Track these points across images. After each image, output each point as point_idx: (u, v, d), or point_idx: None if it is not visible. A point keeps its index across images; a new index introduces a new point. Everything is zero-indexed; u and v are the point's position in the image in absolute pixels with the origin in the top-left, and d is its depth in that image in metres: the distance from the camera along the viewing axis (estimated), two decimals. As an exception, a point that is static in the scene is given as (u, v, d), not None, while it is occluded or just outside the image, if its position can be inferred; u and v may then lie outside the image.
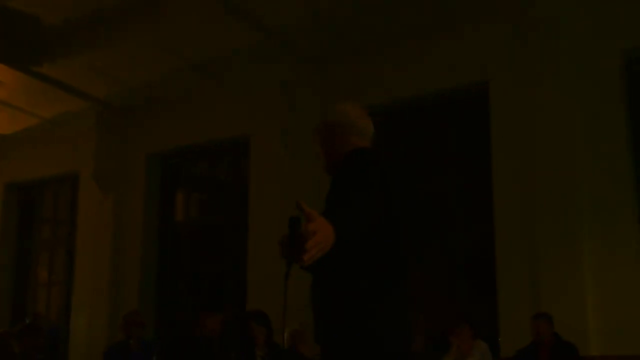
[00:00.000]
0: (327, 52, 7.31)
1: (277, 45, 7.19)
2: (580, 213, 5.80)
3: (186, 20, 6.79)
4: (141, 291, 8.36)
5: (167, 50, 7.36)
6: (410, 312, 2.36)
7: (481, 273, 6.50)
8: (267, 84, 7.61)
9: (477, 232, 6.60)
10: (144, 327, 6.40)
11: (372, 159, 2.47)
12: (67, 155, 9.14)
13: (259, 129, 7.77)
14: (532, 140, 6.07)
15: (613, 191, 5.77)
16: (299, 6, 6.51)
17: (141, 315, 6.63)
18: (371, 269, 2.30)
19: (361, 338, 2.25)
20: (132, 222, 8.58)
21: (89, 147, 8.80)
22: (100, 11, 6.82)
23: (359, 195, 2.20)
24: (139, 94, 8.41)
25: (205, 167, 8.82)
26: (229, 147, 8.34)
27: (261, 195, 7.62)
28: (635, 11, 5.92)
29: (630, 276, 5.61)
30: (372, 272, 2.30)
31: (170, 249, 8.66)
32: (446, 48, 6.77)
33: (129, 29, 6.99)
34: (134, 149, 8.78)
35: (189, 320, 7.80)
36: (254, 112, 7.78)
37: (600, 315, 5.58)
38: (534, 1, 6.23)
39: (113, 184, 8.73)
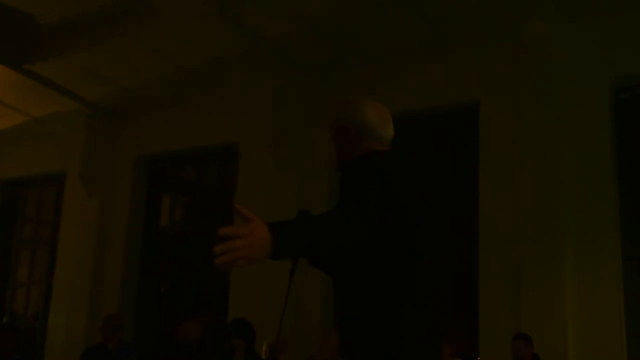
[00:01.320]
0: (318, 62, 7.35)
1: (268, 53, 7.21)
2: (564, 235, 5.85)
3: (179, 25, 6.81)
4: (122, 294, 8.31)
5: (159, 54, 7.37)
6: (435, 324, 2.18)
7: (463, 291, 6.52)
8: (257, 91, 7.63)
9: (461, 250, 6.62)
10: (122, 330, 6.36)
11: (382, 165, 2.22)
12: (54, 154, 9.10)
13: (247, 136, 7.78)
14: (518, 161, 6.12)
15: (597, 214, 5.83)
16: (291, 15, 6.54)
17: (121, 319, 6.60)
18: (388, 280, 2.12)
19: (383, 354, 2.07)
20: (116, 225, 8.54)
21: (77, 147, 8.77)
22: (94, 13, 6.81)
23: (339, 211, 2.06)
24: (130, 96, 8.40)
25: (192, 172, 8.81)
26: (217, 153, 8.33)
27: (247, 202, 7.58)
28: (624, 39, 6.00)
29: (611, 299, 5.65)
30: (390, 283, 2.12)
31: (153, 253, 8.62)
32: (437, 66, 6.83)
33: (122, 31, 6.99)
34: (122, 151, 8.76)
35: (168, 326, 7.78)
36: (243, 119, 7.79)
37: (580, 338, 5.62)
38: (524, 24, 6.30)
39: (99, 186, 8.69)
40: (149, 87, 8.11)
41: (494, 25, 6.40)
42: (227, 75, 7.61)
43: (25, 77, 7.77)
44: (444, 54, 6.80)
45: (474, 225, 6.30)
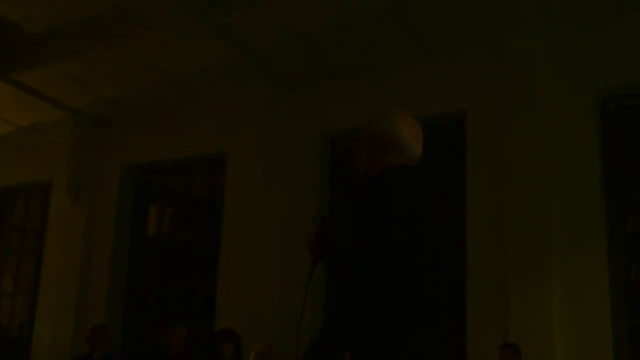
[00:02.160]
0: (306, 73, 7.36)
1: (257, 63, 7.22)
2: (551, 244, 5.88)
3: (166, 34, 6.80)
4: (108, 304, 8.26)
5: (147, 64, 7.35)
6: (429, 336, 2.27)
7: (451, 301, 6.52)
8: (245, 101, 7.64)
9: (449, 260, 6.63)
10: (110, 341, 6.33)
11: (402, 180, 2.31)
12: (41, 163, 9.04)
13: (235, 146, 7.77)
14: (505, 171, 6.16)
15: (584, 223, 5.86)
16: (280, 26, 6.55)
17: (108, 329, 6.56)
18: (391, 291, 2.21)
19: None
20: (102, 235, 8.50)
21: (63, 156, 8.72)
22: (81, 22, 6.82)
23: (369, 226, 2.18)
24: (117, 106, 8.38)
25: (180, 182, 8.78)
26: (205, 163, 8.32)
27: (235, 213, 7.61)
28: (610, 50, 6.06)
29: (598, 307, 5.68)
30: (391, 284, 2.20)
31: (140, 263, 8.58)
32: (425, 76, 6.86)
33: (110, 40, 6.98)
34: (109, 161, 8.72)
35: (153, 334, 7.76)
36: (231, 129, 7.78)
37: (568, 346, 5.64)
38: (511, 34, 6.35)
39: (85, 195, 8.65)
40: (136, 96, 8.09)
41: (481, 36, 6.45)
42: (215, 85, 7.61)
43: (11, 86, 7.74)
44: (430, 65, 6.84)
45: (461, 235, 6.32)
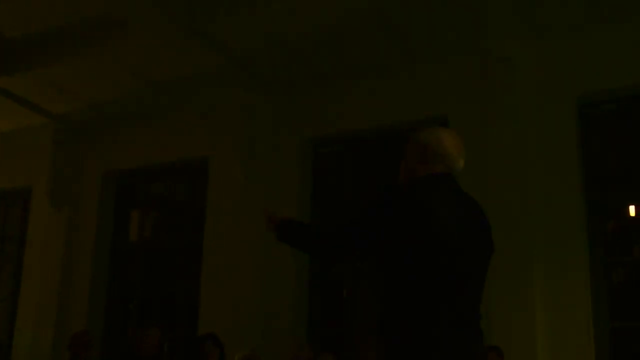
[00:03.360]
0: (288, 78, 7.38)
1: (238, 69, 7.22)
2: (532, 247, 5.93)
3: (148, 40, 6.79)
4: (90, 311, 8.20)
5: (128, 69, 7.34)
6: (467, 337, 2.33)
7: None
8: (228, 107, 7.64)
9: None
10: (92, 348, 6.28)
11: (431, 186, 2.48)
12: (21, 169, 8.97)
13: (218, 152, 7.77)
14: (486, 175, 6.20)
15: (566, 226, 5.92)
16: (261, 32, 6.57)
17: (89, 336, 6.51)
18: (420, 291, 2.31)
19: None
20: (84, 241, 8.44)
21: (44, 162, 8.66)
22: (62, 27, 6.78)
23: (329, 228, 2.50)
24: (98, 111, 8.35)
25: (162, 187, 8.75)
26: (187, 169, 8.30)
27: (217, 218, 7.59)
28: (589, 56, 6.14)
29: (581, 311, 5.74)
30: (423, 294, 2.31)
31: (122, 268, 8.54)
32: (406, 81, 6.91)
33: (91, 46, 6.96)
34: (90, 166, 8.68)
35: (128, 338, 7.73)
36: (213, 134, 7.78)
37: (550, 348, 5.69)
38: (491, 40, 6.41)
39: (66, 201, 8.58)
40: (117, 102, 8.07)
41: (462, 42, 6.50)
42: (197, 90, 7.61)
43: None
44: (411, 70, 6.88)
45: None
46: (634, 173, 6.03)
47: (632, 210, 6.09)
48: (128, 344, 6.50)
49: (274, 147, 7.45)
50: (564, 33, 6.24)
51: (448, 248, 2.33)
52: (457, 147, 2.63)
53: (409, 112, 6.85)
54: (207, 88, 7.51)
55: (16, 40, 7.00)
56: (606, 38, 6.10)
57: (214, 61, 7.03)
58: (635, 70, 5.91)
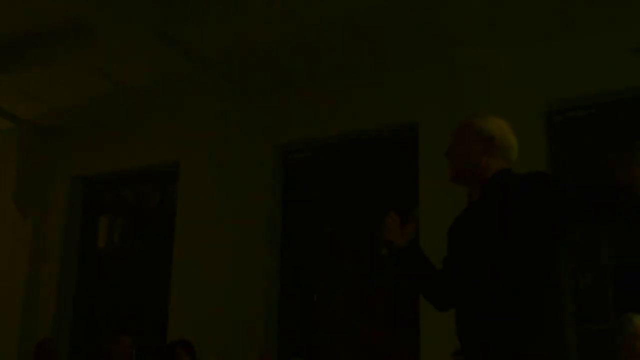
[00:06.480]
0: (261, 85, 7.36)
1: (210, 74, 7.20)
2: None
3: (117, 44, 6.73)
4: (56, 318, 8.08)
5: (97, 73, 7.26)
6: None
7: (404, 309, 6.59)
8: (199, 113, 7.60)
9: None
10: (57, 356, 6.19)
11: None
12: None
13: (188, 157, 7.73)
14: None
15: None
16: (233, 37, 6.56)
17: (55, 343, 6.42)
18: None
19: None
20: (51, 247, 8.33)
21: (11, 167, 8.52)
22: (29, 31, 6.69)
23: None
24: (66, 116, 8.25)
25: (131, 193, 8.67)
26: (157, 175, 8.24)
27: (188, 225, 7.54)
28: (556, 64, 6.24)
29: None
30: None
31: (90, 275, 8.43)
32: (377, 88, 6.94)
33: (59, 50, 6.88)
34: (58, 172, 8.57)
35: (97, 347, 7.65)
36: (183, 139, 7.73)
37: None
38: (460, 48, 6.47)
39: (33, 207, 8.46)
40: (87, 106, 7.98)
41: (431, 49, 6.54)
42: (167, 95, 7.56)
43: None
44: (382, 77, 6.90)
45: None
46: (601, 179, 6.11)
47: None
48: (98, 353, 6.42)
49: (245, 153, 7.42)
50: (531, 41, 6.32)
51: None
52: (516, 140, 2.49)
53: (379, 120, 6.89)
54: (178, 93, 7.47)
55: (-18, 43, 6.89)
56: (571, 46, 6.20)
57: (185, 66, 6.99)
58: (603, 78, 6.01)
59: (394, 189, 6.98)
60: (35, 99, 7.80)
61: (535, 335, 2.12)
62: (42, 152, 8.62)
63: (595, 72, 6.05)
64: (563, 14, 6.01)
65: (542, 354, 2.10)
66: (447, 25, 6.23)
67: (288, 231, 7.37)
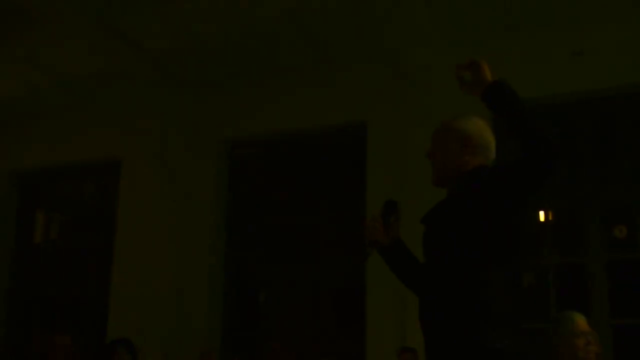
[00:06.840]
0: (205, 79, 7.25)
1: (154, 68, 7.05)
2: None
3: (55, 32, 6.49)
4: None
5: (35, 65, 7.01)
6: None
7: (350, 307, 6.59)
8: (142, 105, 7.42)
9: (348, 266, 6.68)
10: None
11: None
12: None
13: (131, 151, 7.55)
14: (405, 180, 6.26)
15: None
16: (177, 30, 6.42)
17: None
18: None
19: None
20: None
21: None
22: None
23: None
24: (1, 107, 7.93)
25: (70, 188, 8.42)
26: (98, 169, 8.02)
27: (130, 220, 7.37)
28: (498, 63, 6.27)
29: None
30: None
31: (25, 271, 8.18)
32: (325, 86, 6.91)
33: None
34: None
35: (34, 346, 7.44)
36: (126, 133, 7.54)
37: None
38: (407, 49, 6.47)
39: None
40: (23, 99, 7.69)
41: (380, 49, 6.52)
42: (110, 87, 7.35)
43: None
44: (330, 75, 6.88)
45: (359, 241, 6.36)
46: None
47: (541, 215, 6.30)
48: (34, 352, 6.19)
49: (189, 148, 7.30)
50: (479, 42, 6.36)
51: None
52: (493, 137, 2.54)
53: (327, 117, 6.86)
54: (120, 85, 7.27)
55: None
56: (518, 45, 6.26)
57: (127, 58, 6.82)
58: (543, 80, 6.07)
59: (342, 187, 6.96)
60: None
61: (486, 319, 2.23)
62: (-27, 146, 8.30)
63: (537, 73, 6.13)
64: (508, 13, 6.07)
65: (495, 335, 2.21)
66: (395, 26, 6.23)
67: (233, 228, 7.28)
